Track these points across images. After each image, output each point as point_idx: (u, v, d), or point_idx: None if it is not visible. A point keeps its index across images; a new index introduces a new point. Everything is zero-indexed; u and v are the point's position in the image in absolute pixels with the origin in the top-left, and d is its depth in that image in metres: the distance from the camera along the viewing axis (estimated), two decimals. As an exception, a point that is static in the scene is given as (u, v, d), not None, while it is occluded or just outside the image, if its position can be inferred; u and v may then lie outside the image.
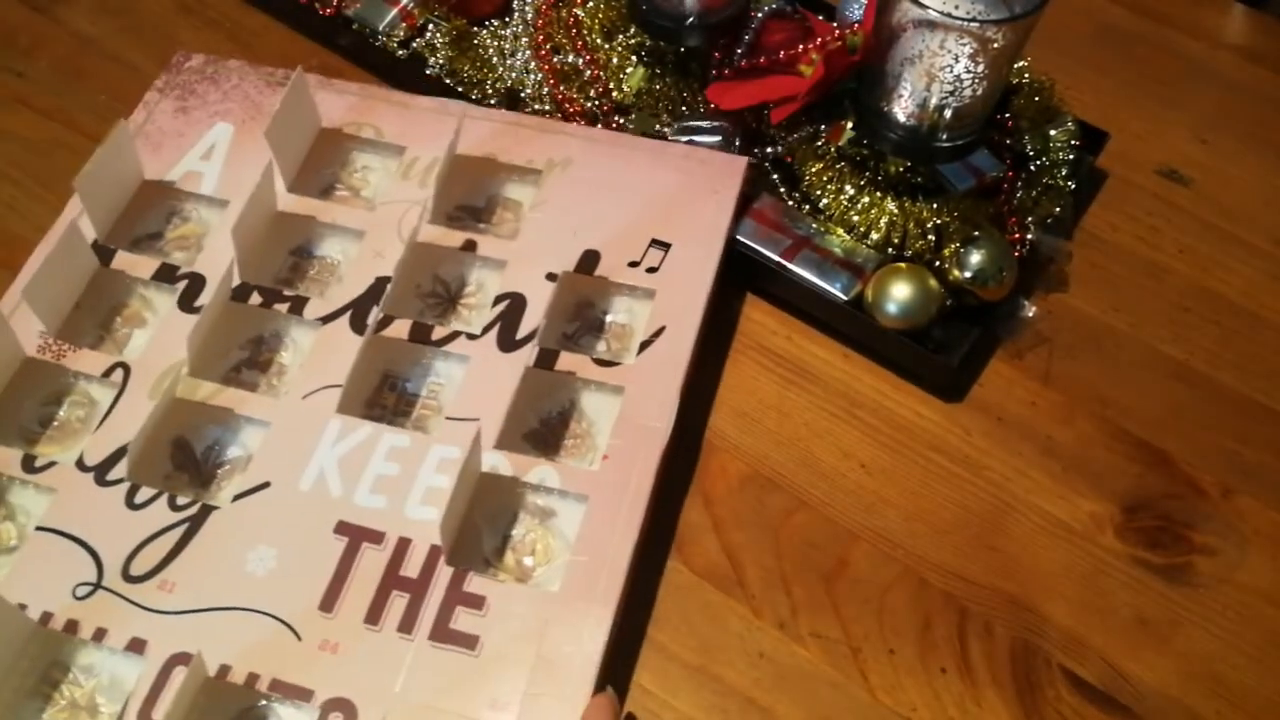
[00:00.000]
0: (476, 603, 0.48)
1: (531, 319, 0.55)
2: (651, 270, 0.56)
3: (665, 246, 0.57)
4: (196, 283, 0.56)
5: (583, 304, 0.58)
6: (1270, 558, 0.53)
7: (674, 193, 0.58)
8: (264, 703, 0.47)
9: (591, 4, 0.65)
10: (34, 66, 0.69)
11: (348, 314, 0.55)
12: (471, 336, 0.55)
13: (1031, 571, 0.52)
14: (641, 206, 0.58)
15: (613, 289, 0.57)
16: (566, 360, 0.54)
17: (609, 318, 0.57)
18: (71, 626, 0.47)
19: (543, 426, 0.54)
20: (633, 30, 0.64)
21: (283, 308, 0.56)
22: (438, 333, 0.55)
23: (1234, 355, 0.58)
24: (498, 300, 0.56)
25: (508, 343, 0.54)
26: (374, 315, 0.55)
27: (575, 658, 0.46)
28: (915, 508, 0.54)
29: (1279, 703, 0.49)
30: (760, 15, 0.62)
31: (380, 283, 0.56)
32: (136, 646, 0.47)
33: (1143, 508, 0.54)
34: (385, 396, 0.55)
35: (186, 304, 0.56)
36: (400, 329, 0.55)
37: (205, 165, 0.61)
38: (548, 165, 0.60)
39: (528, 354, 0.54)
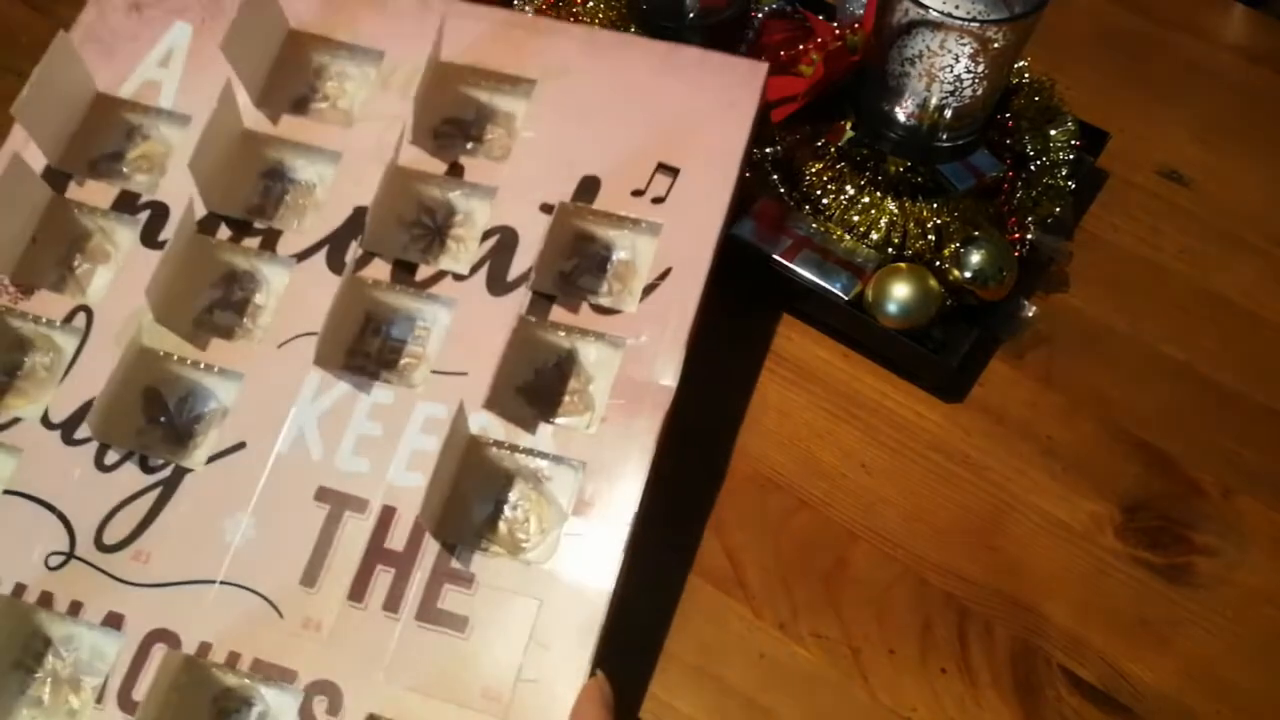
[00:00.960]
0: (465, 581, 0.46)
1: (524, 257, 0.50)
2: (658, 200, 0.51)
3: (673, 172, 0.51)
4: (160, 213, 0.52)
5: (581, 238, 0.53)
6: (1270, 558, 0.53)
7: (684, 106, 0.53)
8: (247, 682, 0.45)
9: (591, 4, 0.65)
10: (34, 66, 0.69)
11: (324, 250, 0.51)
12: (459, 277, 0.51)
13: (1032, 571, 0.52)
14: (647, 123, 0.53)
15: (614, 222, 0.52)
16: (563, 306, 0.50)
17: (611, 255, 0.53)
18: (46, 599, 0.46)
19: (537, 379, 0.50)
20: (633, 30, 0.64)
21: (254, 242, 0.52)
22: (422, 273, 0.51)
23: (1234, 355, 0.58)
24: (486, 235, 0.51)
25: (499, 285, 0.50)
26: (353, 252, 0.51)
27: (570, 642, 0.44)
28: (915, 508, 0.54)
29: (1279, 703, 0.49)
30: (760, 15, 0.62)
31: (359, 213, 0.51)
32: (114, 621, 0.45)
33: (1143, 508, 0.54)
34: (369, 342, 0.51)
35: (150, 238, 0.51)
36: (381, 269, 0.51)
37: (163, 73, 0.55)
38: (543, 74, 0.54)
39: (520, 299, 0.50)
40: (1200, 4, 0.73)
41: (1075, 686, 0.50)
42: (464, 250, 0.53)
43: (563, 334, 0.51)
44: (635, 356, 0.49)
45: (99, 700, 0.44)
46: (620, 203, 0.52)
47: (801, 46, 0.60)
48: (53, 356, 0.52)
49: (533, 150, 0.53)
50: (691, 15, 0.60)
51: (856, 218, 0.58)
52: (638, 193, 0.52)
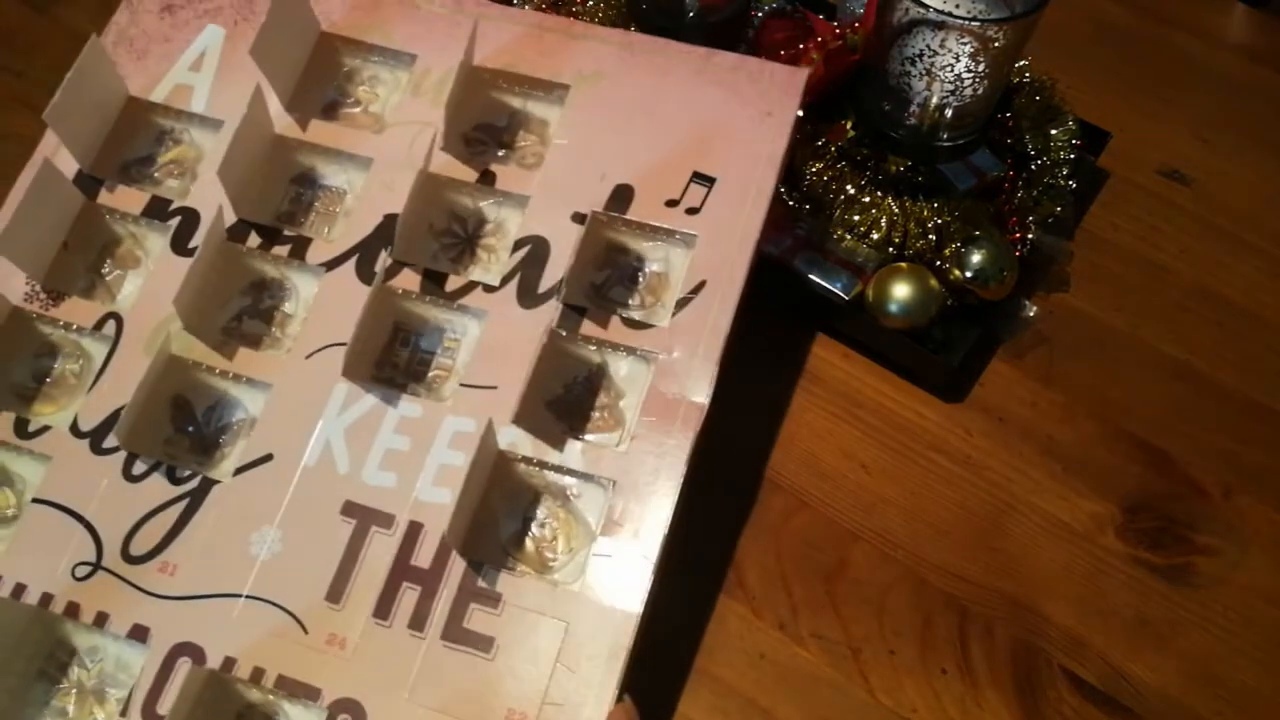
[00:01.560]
0: (492, 600, 0.45)
1: (555, 268, 0.50)
2: (692, 211, 0.50)
3: (709, 181, 0.50)
4: (190, 219, 0.52)
5: (614, 249, 0.52)
6: (1271, 558, 0.53)
7: (720, 113, 0.52)
8: (270, 699, 0.45)
9: (591, 3, 0.65)
10: (34, 66, 0.69)
11: (354, 259, 0.51)
12: (489, 288, 0.50)
13: (1032, 572, 0.52)
14: (683, 130, 0.52)
15: (649, 233, 0.51)
16: (594, 319, 0.49)
17: (643, 267, 0.52)
18: (73, 610, 0.46)
19: (566, 393, 0.50)
20: (632, 29, 0.64)
21: (283, 250, 0.51)
22: (453, 283, 0.50)
23: (1235, 355, 0.58)
24: (518, 245, 0.50)
25: (529, 297, 0.49)
26: (382, 261, 0.50)
27: (597, 666, 0.44)
28: (916, 508, 0.54)
29: (1279, 703, 0.49)
30: (760, 14, 0.62)
31: (389, 221, 0.51)
32: (139, 634, 0.45)
33: (1143, 508, 0.54)
34: (397, 354, 0.51)
35: (180, 245, 0.51)
36: (411, 279, 0.50)
37: (195, 77, 0.55)
38: (576, 79, 0.53)
39: (551, 311, 0.49)
40: (1201, 3, 0.73)
41: (1076, 687, 0.50)
42: (495, 260, 0.52)
43: (593, 348, 0.50)
44: (667, 372, 0.48)
45: (123, 713, 0.44)
46: (654, 213, 0.51)
47: (801, 46, 0.60)
48: (82, 364, 0.52)
49: (566, 158, 0.52)
50: (691, 14, 0.59)
51: (857, 217, 0.58)
52: (672, 203, 0.51)
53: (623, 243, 0.52)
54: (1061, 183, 0.60)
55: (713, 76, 0.53)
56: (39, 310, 0.51)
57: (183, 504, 0.47)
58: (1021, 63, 0.61)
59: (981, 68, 0.51)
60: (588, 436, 0.49)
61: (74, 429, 0.49)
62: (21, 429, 0.49)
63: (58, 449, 0.49)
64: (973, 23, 0.48)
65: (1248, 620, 0.51)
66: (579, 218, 0.51)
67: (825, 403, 0.57)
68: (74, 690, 0.46)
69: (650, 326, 0.49)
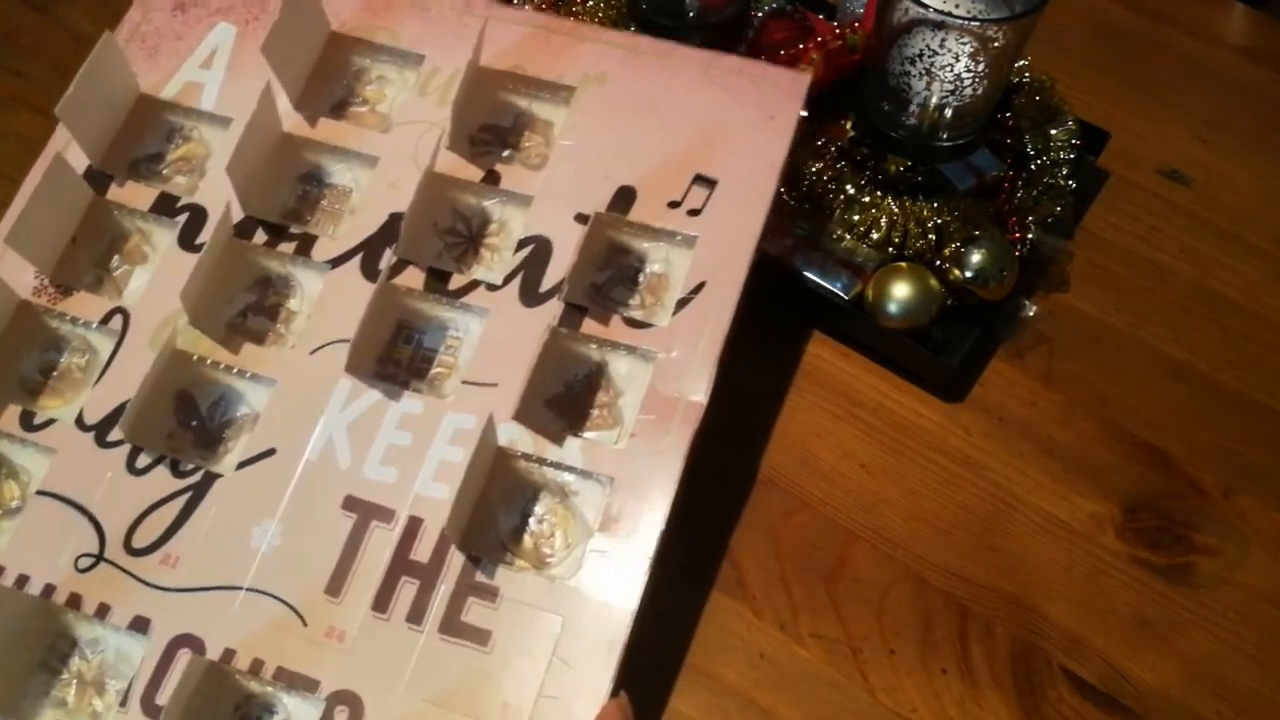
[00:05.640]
0: (489, 594, 0.46)
1: (557, 268, 0.50)
2: (694, 213, 0.51)
3: (710, 184, 0.51)
4: (198, 216, 0.53)
5: (615, 249, 0.53)
6: (1271, 558, 0.53)
7: (723, 116, 0.52)
8: (269, 690, 0.46)
9: (591, 3, 0.65)
10: (34, 66, 0.69)
11: (359, 256, 0.51)
12: (492, 287, 0.51)
13: (1032, 572, 0.52)
14: (685, 133, 0.52)
15: (650, 234, 0.52)
16: (595, 318, 0.50)
17: (644, 267, 0.52)
18: (74, 600, 0.46)
19: (566, 391, 0.50)
20: (632, 29, 0.64)
21: (289, 247, 0.52)
22: (456, 281, 0.51)
23: (1235, 355, 0.58)
24: (521, 244, 0.51)
25: (531, 296, 0.50)
26: (387, 259, 0.51)
27: (593, 661, 0.44)
28: (916, 508, 0.54)
29: (1279, 703, 0.49)
30: (760, 15, 0.62)
31: (394, 220, 0.51)
32: (140, 625, 0.46)
33: (1143, 508, 0.54)
34: (399, 350, 0.51)
35: (187, 241, 0.52)
36: (415, 277, 0.51)
37: (205, 74, 0.56)
38: (582, 81, 0.54)
39: (552, 310, 0.50)
40: (1200, 3, 0.73)
41: (1076, 687, 0.50)
42: (498, 259, 0.53)
43: (594, 346, 0.50)
44: (666, 371, 0.49)
45: (123, 703, 0.45)
46: (656, 214, 0.51)
47: (801, 46, 0.60)
48: (88, 358, 0.52)
49: (570, 159, 0.53)
50: (691, 14, 0.59)
51: (857, 217, 0.58)
52: (674, 204, 0.51)
53: (624, 243, 0.53)
54: (1061, 183, 0.60)
55: (716, 80, 0.53)
56: (47, 304, 0.52)
57: (185, 497, 0.48)
58: (1021, 63, 0.61)
59: (981, 68, 0.51)
60: (587, 434, 0.49)
61: (79, 422, 0.49)
62: (27, 421, 0.50)
63: (63, 442, 0.49)
64: (973, 23, 0.48)
65: (1248, 620, 0.51)
66: (582, 218, 0.51)
67: (825, 402, 0.57)
68: (74, 681, 0.47)
69: (650, 326, 0.50)
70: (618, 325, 0.50)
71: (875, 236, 0.58)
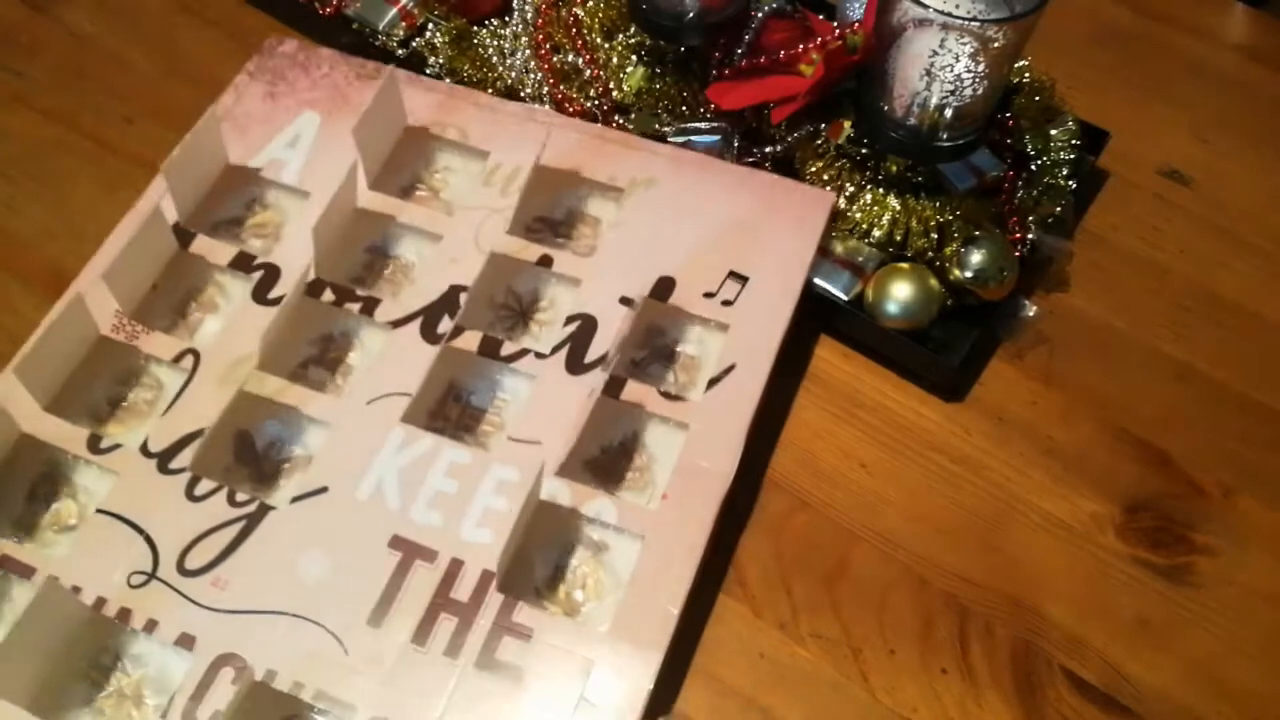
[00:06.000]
0: (524, 634, 0.48)
1: (601, 343, 0.54)
2: (727, 303, 0.55)
3: (743, 280, 0.56)
4: (271, 274, 0.57)
5: (654, 331, 0.57)
6: (1271, 558, 0.53)
7: (756, 222, 0.58)
8: (308, 712, 0.47)
9: (591, 3, 0.65)
10: (34, 66, 0.69)
11: (419, 320, 0.55)
12: (540, 355, 0.54)
13: (1032, 572, 0.52)
14: (722, 234, 0.57)
15: (686, 319, 0.56)
16: (633, 390, 0.53)
17: (680, 348, 0.57)
18: (124, 615, 0.48)
19: (604, 455, 0.54)
20: (633, 30, 0.64)
21: (354, 307, 0.56)
22: (507, 348, 0.55)
23: (1234, 355, 0.58)
24: (569, 320, 0.55)
25: (576, 365, 0.54)
26: (446, 325, 0.55)
27: (619, 703, 0.46)
28: (916, 508, 0.54)
29: (1279, 703, 0.49)
30: (760, 15, 0.62)
31: (454, 290, 0.56)
32: (185, 642, 0.47)
33: (1143, 508, 0.54)
34: (449, 408, 0.55)
35: (260, 295, 0.56)
36: (470, 341, 0.55)
37: (289, 153, 0.61)
38: (631, 184, 0.59)
39: (595, 380, 0.53)
40: (1201, 3, 0.73)
41: (1076, 687, 0.50)
42: (546, 333, 0.58)
43: (631, 415, 0.54)
44: (697, 442, 0.52)
45: (163, 717, 0.46)
46: (693, 302, 0.56)
47: (802, 46, 0.59)
48: (155, 393, 0.56)
49: (617, 249, 0.58)
50: (691, 15, 0.59)
51: (858, 215, 0.58)
52: (709, 294, 0.56)
53: (662, 326, 0.57)
54: (1061, 183, 0.60)
55: (751, 189, 0.59)
56: (124, 340, 0.55)
57: (239, 525, 0.50)
58: (1021, 63, 0.61)
59: (981, 68, 0.51)
60: (621, 494, 0.53)
61: (143, 449, 0.52)
62: (94, 444, 0.52)
63: (125, 466, 0.52)
64: (973, 23, 0.48)
65: (1248, 620, 0.51)
66: (626, 301, 0.56)
67: (825, 402, 0.57)
68: (114, 694, 0.48)
69: (683, 399, 0.54)
70: (654, 397, 0.53)
71: (877, 234, 0.58)
